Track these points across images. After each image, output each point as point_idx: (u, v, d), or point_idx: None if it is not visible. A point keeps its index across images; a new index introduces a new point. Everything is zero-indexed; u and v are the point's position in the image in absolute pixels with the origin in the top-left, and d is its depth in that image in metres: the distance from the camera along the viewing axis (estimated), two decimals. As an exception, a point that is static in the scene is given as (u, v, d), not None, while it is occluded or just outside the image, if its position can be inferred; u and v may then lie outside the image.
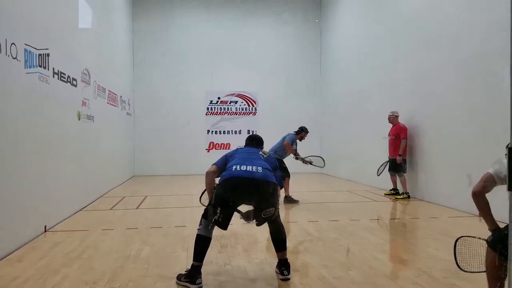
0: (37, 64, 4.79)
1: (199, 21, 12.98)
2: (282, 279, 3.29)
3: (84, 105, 6.83)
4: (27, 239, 4.46)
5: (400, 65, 8.44)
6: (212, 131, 13.04)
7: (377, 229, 5.20)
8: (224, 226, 3.22)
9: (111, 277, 3.36)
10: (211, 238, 3.31)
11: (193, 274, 3.14)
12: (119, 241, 4.62)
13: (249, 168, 3.27)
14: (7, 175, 4.06)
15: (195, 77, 12.77)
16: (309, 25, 13.62)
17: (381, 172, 7.95)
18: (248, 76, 13.06)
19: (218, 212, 3.18)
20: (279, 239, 3.42)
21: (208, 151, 12.84)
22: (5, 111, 4.06)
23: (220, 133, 13.05)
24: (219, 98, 13.02)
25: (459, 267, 2.53)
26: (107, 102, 8.77)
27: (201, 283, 3.12)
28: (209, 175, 3.46)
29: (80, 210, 6.43)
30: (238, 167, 3.29)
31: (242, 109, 13.14)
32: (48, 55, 5.10)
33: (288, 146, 7.35)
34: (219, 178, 3.39)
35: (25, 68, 4.45)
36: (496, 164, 2.73)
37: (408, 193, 7.43)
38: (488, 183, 2.75)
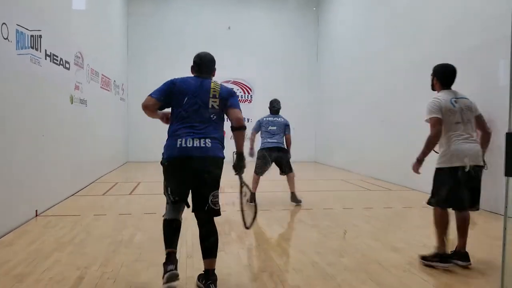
0: (29, 45, 4.68)
1: (196, 5, 12.80)
2: None
3: (77, 89, 6.72)
4: (18, 223, 4.41)
5: (397, 53, 8.39)
6: (207, 118, 12.95)
7: (371, 217, 5.23)
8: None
9: (103, 261, 3.34)
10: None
11: (164, 263, 2.82)
12: (111, 227, 4.59)
13: None
14: (-3, 158, 4.00)
15: (190, 62, 12.56)
16: (307, 12, 13.49)
17: None
18: (245, 63, 12.93)
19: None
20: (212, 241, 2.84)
21: (203, 138, 12.77)
22: (-5, 93, 3.98)
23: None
24: (214, 84, 12.91)
25: None
26: (101, 87, 8.65)
27: (171, 270, 2.73)
28: None
29: (72, 195, 6.38)
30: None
31: (238, 96, 13.03)
32: (40, 36, 4.98)
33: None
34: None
35: (16, 49, 4.35)
36: (428, 112, 3.41)
37: None
38: (438, 125, 3.37)
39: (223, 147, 2.89)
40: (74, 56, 6.57)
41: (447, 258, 3.34)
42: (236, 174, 2.97)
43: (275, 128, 6.14)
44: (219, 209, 2.84)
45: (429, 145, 3.37)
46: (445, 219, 3.39)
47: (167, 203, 3.02)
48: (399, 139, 7.87)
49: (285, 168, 6.03)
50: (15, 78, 4.40)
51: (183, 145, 2.77)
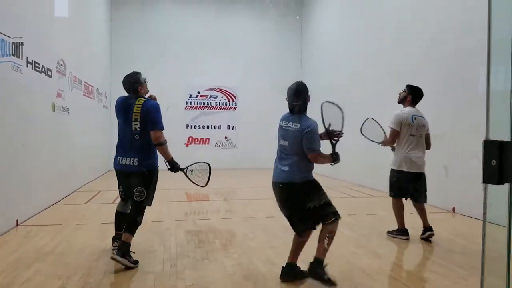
0: (10, 53, 4.62)
1: (179, 12, 12.81)
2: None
3: (59, 96, 6.64)
4: (-3, 233, 4.32)
5: (380, 60, 8.60)
6: (192, 126, 12.93)
7: (354, 224, 5.29)
8: None
9: (85, 271, 3.30)
10: None
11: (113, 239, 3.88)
12: (94, 236, 4.53)
13: None
14: (-24, 167, 3.91)
15: (175, 69, 12.59)
16: (290, 19, 13.65)
17: None
18: (228, 71, 12.99)
19: None
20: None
21: (187, 146, 12.74)
22: (-25, 101, 3.91)
23: (200, 127, 12.94)
24: (198, 92, 12.90)
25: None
26: (83, 94, 8.56)
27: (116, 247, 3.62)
28: None
29: (54, 204, 6.26)
30: None
31: (222, 103, 13.07)
32: (22, 44, 4.92)
33: None
34: None
35: (-4, 56, 4.29)
36: (392, 122, 4.46)
37: None
38: (394, 135, 4.44)
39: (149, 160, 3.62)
40: (57, 64, 6.50)
41: (407, 232, 4.45)
42: (174, 172, 3.70)
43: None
44: (141, 200, 3.59)
45: (385, 143, 4.55)
46: (399, 205, 4.52)
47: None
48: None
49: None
50: (-4, 86, 4.33)
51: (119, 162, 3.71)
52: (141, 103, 3.62)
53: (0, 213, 4.43)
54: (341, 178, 9.77)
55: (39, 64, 5.60)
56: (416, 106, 4.57)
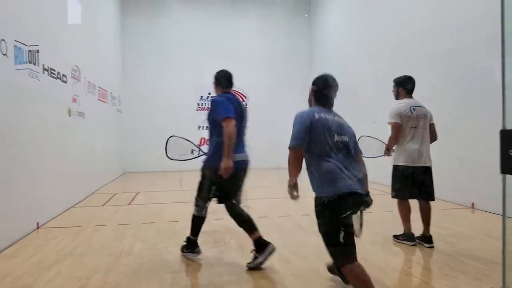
0: (27, 60, 4.75)
1: (187, 16, 12.93)
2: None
3: (75, 101, 6.78)
4: (19, 236, 4.44)
5: (389, 57, 8.54)
6: (203, 127, 13.00)
7: (369, 222, 5.26)
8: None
9: (104, 272, 3.37)
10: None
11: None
12: (111, 237, 4.62)
13: None
14: (-3, 172, 4.03)
15: (185, 72, 12.71)
16: (299, 19, 13.65)
17: None
18: (238, 71, 12.88)
19: None
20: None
21: (199, 147, 12.81)
22: (-5, 108, 4.02)
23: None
24: (209, 93, 12.96)
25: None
26: (98, 99, 8.71)
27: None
28: None
29: (72, 207, 6.40)
30: None
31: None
32: (38, 51, 5.05)
33: None
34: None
35: (15, 64, 4.41)
36: (390, 116, 4.10)
37: None
38: (397, 129, 4.05)
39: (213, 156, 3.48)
40: (71, 70, 6.63)
41: (413, 238, 4.10)
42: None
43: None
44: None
45: (390, 143, 4.15)
46: (405, 207, 4.18)
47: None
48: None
49: None
50: (14, 92, 4.45)
51: None
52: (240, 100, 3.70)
53: (21, 216, 4.56)
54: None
55: (54, 70, 5.73)
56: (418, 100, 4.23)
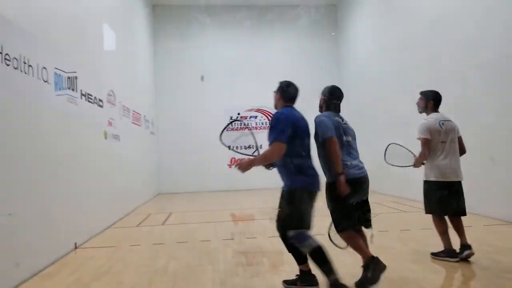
0: (66, 86, 5.00)
1: (217, 39, 13.24)
2: None
3: (110, 124, 7.03)
4: (58, 255, 4.56)
5: (419, 71, 8.38)
6: (234, 147, 13.10)
7: (408, 239, 5.06)
8: None
9: (140, 290, 3.39)
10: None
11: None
12: (146, 256, 4.67)
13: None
14: (39, 194, 4.19)
15: (214, 94, 12.96)
16: (326, 38, 13.68)
17: None
18: (267, 91, 13.07)
19: None
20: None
21: (230, 167, 12.90)
22: (37, 131, 4.23)
23: (241, 148, 13.07)
24: (238, 114, 13.14)
25: None
26: (132, 122, 9.00)
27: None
28: None
29: (108, 227, 6.54)
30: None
31: (262, 123, 13.20)
32: (76, 78, 5.31)
33: None
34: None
35: (55, 90, 4.65)
36: (419, 132, 4.08)
37: None
38: (427, 144, 4.03)
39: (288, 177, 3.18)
40: (107, 95, 6.92)
41: (455, 254, 3.92)
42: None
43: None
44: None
45: (421, 158, 4.10)
46: (441, 223, 4.07)
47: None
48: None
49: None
50: (55, 116, 4.68)
51: None
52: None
53: (60, 237, 4.70)
54: (388, 193, 9.44)
55: (91, 95, 5.99)
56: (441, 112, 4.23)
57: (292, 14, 12.99)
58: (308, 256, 3.07)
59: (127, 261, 4.44)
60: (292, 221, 3.04)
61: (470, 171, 6.72)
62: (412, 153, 4.16)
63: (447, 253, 3.97)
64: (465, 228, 4.03)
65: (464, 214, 4.04)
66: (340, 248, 3.43)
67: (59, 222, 4.66)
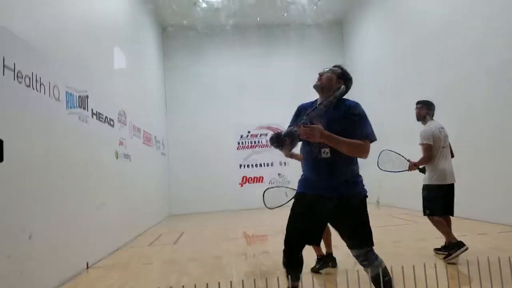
0: (77, 105, 5.07)
1: (226, 57, 13.41)
2: None
3: (121, 144, 7.08)
4: (70, 275, 4.51)
5: (427, 79, 8.36)
6: (244, 165, 13.08)
7: (425, 248, 4.91)
8: None
9: (152, 306, 3.31)
10: None
11: None
12: (158, 273, 4.60)
13: None
14: (50, 213, 4.19)
15: (225, 112, 13.03)
16: (333, 52, 13.78)
17: None
18: (276, 109, 13.17)
19: None
20: None
21: (242, 186, 12.84)
22: (48, 149, 4.26)
23: (252, 166, 13.06)
24: (249, 132, 13.16)
25: None
26: (143, 142, 9.06)
27: None
28: None
29: (119, 248, 6.49)
30: None
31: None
32: (87, 97, 5.39)
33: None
34: None
35: (66, 108, 4.71)
36: (422, 138, 4.40)
37: None
38: (430, 150, 4.36)
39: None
40: (118, 114, 7.00)
41: (462, 243, 4.12)
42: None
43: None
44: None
45: (421, 163, 4.44)
46: (443, 221, 4.42)
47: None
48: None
49: None
50: (66, 135, 4.72)
51: None
52: None
53: (71, 256, 4.66)
54: (402, 206, 9.26)
55: (102, 114, 6.07)
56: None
57: (299, 33, 13.18)
58: (371, 280, 2.34)
59: (139, 279, 4.38)
60: (371, 235, 2.51)
61: (481, 178, 6.58)
62: (405, 158, 4.46)
63: (456, 246, 4.17)
64: (481, 235, 4.66)
65: (452, 214, 4.52)
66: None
67: (71, 241, 4.63)
